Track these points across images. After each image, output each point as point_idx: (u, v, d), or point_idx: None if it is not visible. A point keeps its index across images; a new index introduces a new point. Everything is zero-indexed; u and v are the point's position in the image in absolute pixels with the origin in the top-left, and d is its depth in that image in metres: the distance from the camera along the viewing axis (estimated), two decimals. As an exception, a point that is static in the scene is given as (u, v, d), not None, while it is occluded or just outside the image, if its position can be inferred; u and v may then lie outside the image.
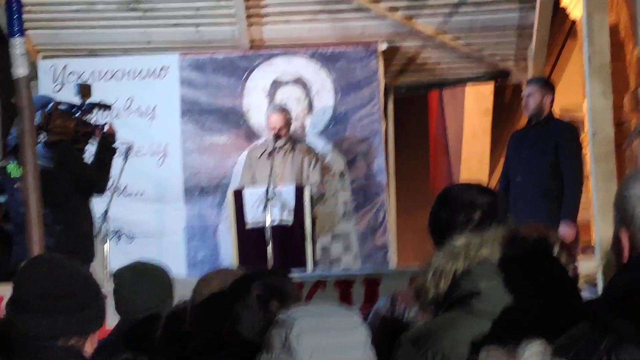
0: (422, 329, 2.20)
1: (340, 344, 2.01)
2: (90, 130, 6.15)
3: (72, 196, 5.95)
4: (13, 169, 6.07)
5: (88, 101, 6.20)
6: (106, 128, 6.25)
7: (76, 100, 6.21)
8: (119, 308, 3.45)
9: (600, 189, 4.74)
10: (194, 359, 2.52)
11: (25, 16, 6.27)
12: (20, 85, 3.30)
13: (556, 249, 2.22)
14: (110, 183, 7.72)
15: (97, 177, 6.11)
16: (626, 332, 1.59)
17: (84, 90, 6.20)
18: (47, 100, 6.03)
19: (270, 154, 7.07)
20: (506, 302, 2.08)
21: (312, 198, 7.00)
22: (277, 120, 7.22)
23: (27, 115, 3.25)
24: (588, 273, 5.18)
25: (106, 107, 6.50)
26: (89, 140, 6.22)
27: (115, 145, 6.35)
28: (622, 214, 1.79)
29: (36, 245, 3.14)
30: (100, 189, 6.25)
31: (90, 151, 6.39)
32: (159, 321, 2.86)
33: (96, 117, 6.42)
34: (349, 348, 2.01)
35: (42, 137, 5.81)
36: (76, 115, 6.10)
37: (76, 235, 5.92)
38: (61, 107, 6.07)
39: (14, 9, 3.35)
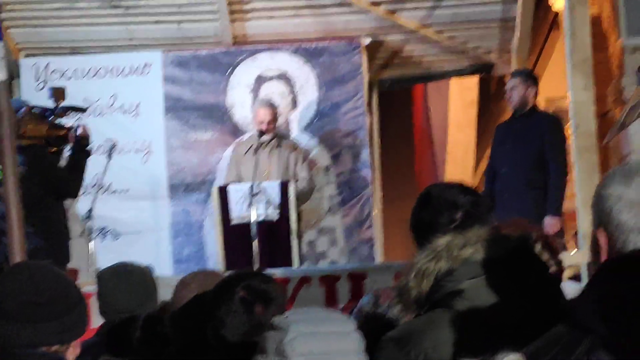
0: (404, 329, 2.20)
1: (334, 351, 2.01)
2: (63, 134, 6.13)
3: (44, 199, 5.91)
4: None
5: (62, 104, 6.17)
6: (79, 131, 6.21)
7: (50, 103, 6.19)
8: (101, 309, 3.45)
9: (584, 181, 4.77)
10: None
11: (6, 14, 6.27)
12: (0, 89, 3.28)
13: (538, 247, 2.23)
14: (94, 181, 7.74)
15: (69, 181, 6.09)
16: (603, 334, 1.60)
17: (58, 93, 6.17)
18: (19, 105, 6.00)
19: (256, 150, 7.06)
20: (488, 301, 2.08)
21: (303, 193, 7.00)
22: (264, 114, 7.20)
23: (6, 119, 3.22)
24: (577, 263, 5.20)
25: (80, 109, 6.47)
26: (62, 144, 6.19)
27: (89, 147, 6.32)
28: (599, 214, 1.79)
29: (17, 250, 3.12)
30: (73, 192, 6.23)
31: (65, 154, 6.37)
32: (139, 322, 2.85)
33: (70, 119, 6.39)
34: (342, 354, 2.02)
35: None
36: (49, 119, 6.08)
37: (49, 238, 5.89)
38: (34, 110, 6.05)
39: (-8, 12, 3.32)
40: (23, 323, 2.23)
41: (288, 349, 1.98)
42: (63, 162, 6.30)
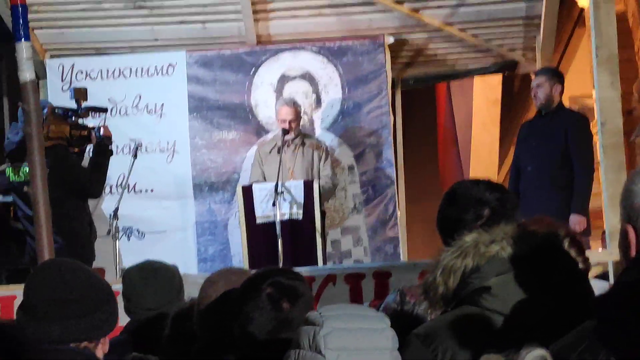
0: (431, 326, 2.20)
1: (367, 347, 2.02)
2: (85, 134, 6.17)
3: (67, 200, 5.95)
4: (10, 173, 6.11)
5: (84, 105, 6.21)
6: (101, 131, 6.25)
7: (72, 104, 6.23)
8: (127, 308, 3.47)
9: (610, 180, 4.73)
10: (205, 358, 2.52)
11: (32, 16, 6.32)
12: (27, 89, 3.30)
13: (566, 244, 2.22)
14: (120, 180, 7.79)
15: (91, 181, 6.12)
16: (633, 330, 1.59)
17: (80, 94, 6.22)
18: (42, 105, 6.05)
19: (280, 148, 7.07)
20: (515, 297, 2.08)
21: (326, 191, 7.00)
22: (287, 113, 7.20)
23: (34, 119, 3.25)
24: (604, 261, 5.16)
25: (102, 110, 6.52)
26: (85, 144, 6.23)
27: (111, 147, 6.36)
28: (628, 210, 1.78)
29: (45, 247, 3.15)
30: (95, 192, 6.27)
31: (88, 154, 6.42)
32: (167, 320, 2.87)
33: (93, 120, 6.45)
34: (375, 351, 2.02)
35: None
36: (71, 119, 6.12)
37: (71, 238, 5.93)
38: (57, 111, 6.10)
39: (19, 13, 3.35)
40: (53, 320, 2.25)
41: (322, 343, 1.99)
42: (85, 163, 6.34)
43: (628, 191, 1.79)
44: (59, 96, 7.73)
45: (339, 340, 2.00)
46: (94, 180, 6.16)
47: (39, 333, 2.26)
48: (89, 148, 6.39)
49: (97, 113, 6.53)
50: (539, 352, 1.59)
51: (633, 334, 1.58)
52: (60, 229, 5.86)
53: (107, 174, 6.49)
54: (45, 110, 5.94)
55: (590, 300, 1.98)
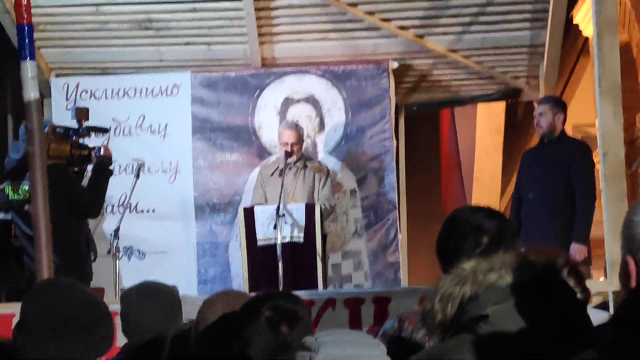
0: (428, 353, 2.20)
1: None
2: (85, 154, 6.18)
3: (66, 219, 5.95)
4: (10, 191, 6.12)
5: (85, 124, 6.24)
6: (102, 151, 6.27)
7: (74, 123, 6.25)
8: (125, 329, 3.45)
9: (611, 209, 4.72)
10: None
11: (38, 34, 6.35)
12: (31, 108, 3.31)
13: (564, 273, 2.21)
14: (121, 200, 7.79)
15: (90, 201, 6.13)
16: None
17: (81, 113, 6.25)
18: (43, 124, 6.07)
19: (282, 171, 7.08)
20: (513, 327, 2.07)
21: (323, 213, 7.00)
22: (289, 136, 7.23)
23: (38, 138, 3.26)
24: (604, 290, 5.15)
25: (103, 130, 6.54)
26: (85, 163, 6.24)
27: (111, 167, 6.37)
28: (628, 241, 1.78)
29: (45, 267, 3.14)
30: (94, 212, 6.27)
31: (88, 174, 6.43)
32: (165, 343, 2.86)
33: (94, 140, 6.47)
34: None
35: None
36: (72, 139, 6.14)
37: (68, 258, 5.92)
38: (58, 130, 6.12)
39: (25, 32, 3.37)
40: (49, 339, 2.25)
41: None
42: (85, 182, 6.35)
43: (629, 222, 1.79)
44: (63, 115, 7.75)
45: None
46: (93, 200, 6.16)
47: (35, 352, 2.25)
48: (90, 167, 6.40)
49: (98, 133, 6.55)
50: None
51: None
52: (57, 248, 5.85)
53: (109, 194, 6.49)
54: (46, 129, 5.96)
55: (588, 330, 1.98)
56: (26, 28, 3.37)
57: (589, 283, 2.25)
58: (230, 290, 2.73)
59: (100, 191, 6.23)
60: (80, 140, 6.27)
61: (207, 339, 2.51)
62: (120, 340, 3.46)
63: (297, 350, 2.06)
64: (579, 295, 2.22)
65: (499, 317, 2.08)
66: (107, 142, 6.51)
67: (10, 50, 7.39)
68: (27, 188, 5.88)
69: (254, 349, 2.28)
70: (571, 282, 2.22)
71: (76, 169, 6.21)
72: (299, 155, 7.27)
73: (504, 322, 2.08)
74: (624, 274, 1.78)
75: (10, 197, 6.16)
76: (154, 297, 3.46)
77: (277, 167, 7.27)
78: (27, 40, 3.37)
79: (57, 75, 8.39)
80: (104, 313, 2.38)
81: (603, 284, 4.96)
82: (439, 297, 2.16)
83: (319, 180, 7.24)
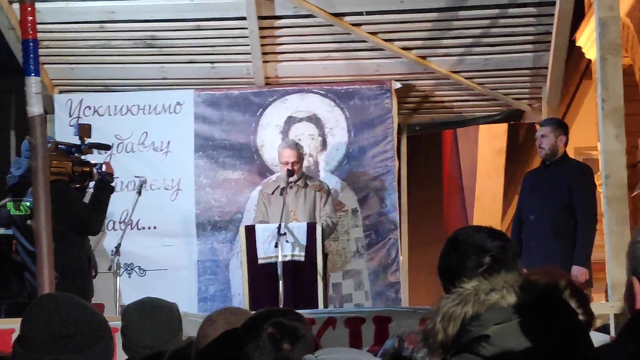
0: (429, 373, 2.19)
1: None
2: (87, 170, 6.19)
3: (66, 235, 5.95)
4: (11, 207, 6.13)
5: (87, 141, 6.25)
6: (103, 167, 6.27)
7: (76, 140, 6.27)
8: (126, 345, 3.45)
9: (613, 232, 4.72)
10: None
11: (42, 51, 6.38)
12: (35, 123, 3.33)
13: (566, 294, 2.21)
14: (123, 217, 7.79)
15: (91, 217, 6.13)
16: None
17: (83, 130, 6.26)
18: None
19: (283, 190, 7.09)
20: (515, 346, 2.07)
21: (325, 229, 7.00)
22: (289, 155, 7.24)
23: (41, 152, 3.27)
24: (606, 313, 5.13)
25: (105, 147, 6.55)
26: (87, 180, 6.25)
27: (113, 184, 6.37)
28: (633, 262, 1.79)
29: (46, 281, 3.14)
30: (95, 229, 6.27)
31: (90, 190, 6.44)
32: (165, 359, 2.85)
33: (96, 157, 6.48)
34: None
35: None
36: (74, 155, 6.15)
37: (70, 273, 5.91)
38: (60, 146, 6.13)
39: (30, 48, 3.38)
40: (49, 354, 2.24)
41: None
42: (87, 199, 6.35)
43: (634, 243, 1.80)
44: (66, 131, 7.77)
45: None
46: (94, 216, 6.17)
47: (36, 367, 2.24)
48: (91, 184, 6.40)
49: (100, 150, 6.56)
50: None
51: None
52: (59, 264, 5.85)
53: (110, 210, 6.49)
54: (49, 146, 5.97)
55: (590, 351, 1.97)
56: (31, 44, 3.39)
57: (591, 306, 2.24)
58: (231, 307, 2.72)
59: (101, 208, 6.23)
60: (82, 157, 6.28)
61: (208, 356, 2.51)
62: (120, 356, 3.46)
63: None
64: (580, 317, 2.21)
65: (500, 337, 2.08)
66: (110, 159, 6.52)
67: (15, 67, 7.43)
68: (28, 204, 5.89)
69: (255, 365, 2.28)
70: (573, 304, 2.22)
71: (78, 185, 6.21)
72: (299, 174, 7.28)
73: (506, 342, 2.07)
74: (629, 295, 1.78)
75: (12, 213, 6.16)
76: (155, 314, 3.45)
77: (278, 186, 7.28)
78: (31, 56, 3.39)
79: (61, 92, 8.41)
80: (104, 329, 2.37)
81: (604, 306, 4.94)
82: (441, 316, 2.16)
83: (320, 199, 7.24)
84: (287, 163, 7.21)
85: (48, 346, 2.24)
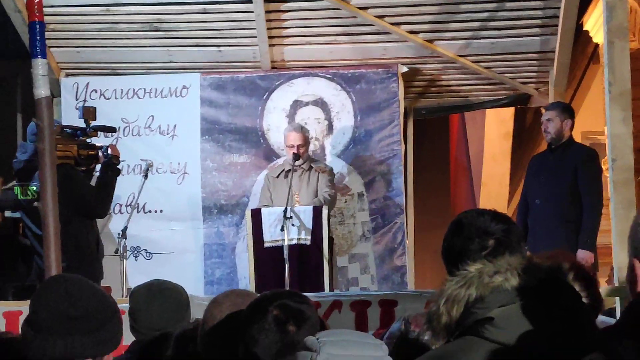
0: (433, 355, 2.20)
1: None
2: (93, 153, 6.20)
3: (74, 218, 5.97)
4: (18, 191, 6.14)
5: (92, 124, 6.25)
6: (109, 150, 6.28)
7: (81, 123, 6.27)
8: (134, 327, 3.46)
9: (620, 216, 4.71)
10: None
11: (48, 34, 6.39)
12: (41, 105, 3.33)
13: (570, 277, 2.22)
14: (129, 200, 7.82)
15: (97, 200, 6.13)
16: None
17: (88, 113, 6.26)
18: None
19: (288, 173, 7.09)
20: (518, 329, 2.08)
21: (325, 204, 7.00)
22: (295, 138, 7.24)
23: (48, 135, 3.28)
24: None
25: (110, 129, 6.56)
26: (92, 163, 6.26)
27: (119, 166, 6.38)
28: (635, 244, 1.79)
29: (53, 263, 3.16)
30: (101, 211, 6.28)
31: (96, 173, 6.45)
32: (171, 341, 2.87)
33: (101, 139, 6.49)
34: None
35: None
36: (79, 138, 6.15)
37: (77, 257, 5.94)
38: (65, 130, 6.14)
39: (37, 30, 3.39)
40: (58, 335, 2.26)
41: None
42: (93, 182, 6.36)
43: (636, 226, 1.80)
44: (72, 114, 7.77)
45: None
46: (101, 199, 6.17)
47: (44, 348, 2.26)
48: (97, 167, 6.41)
49: (105, 132, 6.57)
50: None
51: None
52: (67, 247, 5.88)
53: (117, 194, 6.50)
54: (54, 129, 5.97)
55: (594, 333, 1.98)
56: (37, 26, 3.39)
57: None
58: (237, 289, 2.73)
59: (108, 191, 6.23)
60: (88, 140, 6.29)
61: (213, 337, 2.52)
62: (127, 339, 3.47)
63: (298, 350, 2.06)
64: (585, 300, 2.22)
65: (504, 319, 2.09)
66: (116, 142, 6.52)
67: (21, 50, 7.43)
68: (35, 189, 5.90)
69: (260, 348, 2.28)
70: (577, 287, 2.22)
71: (84, 168, 6.22)
72: (305, 157, 7.28)
73: (509, 325, 2.08)
74: (631, 278, 1.79)
75: (19, 197, 6.18)
76: (163, 296, 3.47)
77: (283, 170, 7.29)
78: (38, 38, 3.39)
79: (67, 75, 8.42)
80: (113, 311, 2.39)
81: (609, 290, 4.95)
82: (445, 299, 2.17)
83: (322, 179, 7.24)
84: (292, 146, 7.21)
85: (57, 327, 2.26)
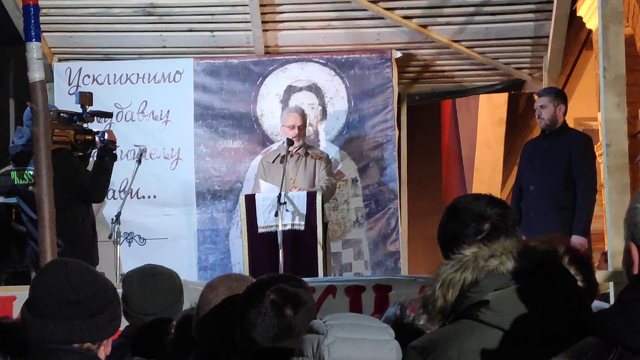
0: (429, 338, 2.21)
1: (371, 358, 2.02)
2: (90, 138, 6.18)
3: (71, 203, 5.96)
4: (15, 176, 6.13)
5: (89, 109, 6.23)
6: (106, 136, 6.27)
7: (77, 108, 6.25)
8: (127, 311, 3.46)
9: (614, 201, 4.72)
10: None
11: (42, 19, 6.35)
12: (36, 89, 3.32)
13: (565, 260, 2.23)
14: (123, 186, 7.80)
15: (94, 185, 6.13)
16: (634, 345, 1.59)
17: (85, 98, 6.24)
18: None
19: (284, 158, 7.08)
20: (514, 312, 2.09)
21: (325, 194, 7.00)
22: (295, 119, 7.20)
23: (42, 119, 3.27)
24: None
25: (107, 115, 6.54)
26: (89, 148, 6.25)
27: (115, 152, 6.37)
28: (631, 228, 1.79)
29: (48, 248, 3.16)
30: (98, 196, 6.27)
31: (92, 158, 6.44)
32: (167, 325, 2.87)
33: (98, 124, 6.46)
34: None
35: None
36: (76, 123, 6.14)
37: (75, 241, 5.93)
38: (62, 115, 6.12)
39: (31, 14, 3.37)
40: (58, 320, 2.26)
41: (326, 353, 1.99)
42: (89, 167, 6.35)
43: (633, 209, 1.80)
44: (65, 99, 7.77)
45: (343, 350, 2.00)
46: (98, 184, 6.17)
47: (43, 332, 2.27)
48: (94, 152, 6.40)
49: (102, 118, 6.54)
50: None
51: (635, 351, 1.59)
52: (63, 232, 5.87)
53: (111, 179, 6.49)
54: (51, 114, 5.95)
55: (589, 316, 1.99)
56: (32, 9, 3.37)
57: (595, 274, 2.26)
58: (232, 274, 2.73)
59: (105, 176, 6.23)
60: (84, 125, 6.27)
61: (210, 322, 2.52)
62: (121, 323, 3.47)
63: (302, 334, 2.06)
64: (580, 284, 2.22)
65: (499, 303, 2.10)
66: (110, 128, 6.49)
67: (13, 35, 7.40)
68: (32, 173, 5.88)
69: (257, 332, 2.29)
70: (572, 270, 2.23)
71: (80, 153, 6.20)
72: (301, 142, 7.26)
73: (504, 308, 2.09)
74: (627, 261, 1.80)
75: (15, 182, 6.16)
76: (156, 280, 3.47)
77: (279, 155, 7.27)
78: (32, 21, 3.37)
79: (60, 60, 8.38)
80: (112, 296, 2.39)
81: (604, 275, 4.96)
82: (440, 282, 2.18)
83: (320, 167, 7.24)
84: (292, 127, 7.17)
85: (57, 311, 2.27)
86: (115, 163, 6.48)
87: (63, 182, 5.86)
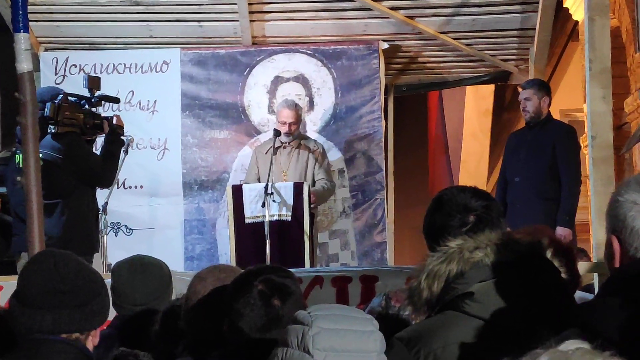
0: (414, 329, 2.23)
1: (355, 349, 2.03)
2: (99, 122, 6.16)
3: (78, 188, 5.95)
4: (20, 160, 6.10)
5: (97, 93, 6.19)
6: (114, 120, 6.25)
7: (85, 92, 6.22)
8: (116, 302, 3.47)
9: (599, 193, 4.75)
10: (191, 355, 2.54)
11: (28, 8, 6.32)
12: (24, 80, 3.31)
13: (549, 253, 2.25)
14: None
15: (104, 169, 6.11)
16: (614, 337, 1.62)
17: (93, 82, 6.19)
18: (56, 92, 6.02)
19: (276, 150, 7.08)
20: (497, 304, 2.11)
21: (320, 195, 7.00)
22: (288, 115, 7.19)
23: (30, 110, 3.26)
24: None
25: (114, 99, 6.52)
26: (97, 132, 6.22)
27: (123, 137, 6.35)
28: (613, 220, 1.82)
29: (36, 238, 3.16)
30: (107, 181, 6.24)
31: (100, 143, 6.42)
32: (155, 316, 2.88)
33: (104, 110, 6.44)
34: (363, 354, 2.04)
35: (52, 129, 5.82)
36: (85, 107, 6.10)
37: (81, 226, 5.93)
38: (70, 99, 6.07)
39: (19, 4, 3.36)
40: (45, 310, 2.27)
41: (310, 343, 2.01)
42: (98, 151, 6.33)
43: (614, 202, 1.83)
44: (52, 89, 7.73)
45: (328, 341, 2.02)
46: (107, 169, 6.13)
47: (32, 322, 2.27)
48: (100, 137, 6.37)
49: (110, 103, 6.53)
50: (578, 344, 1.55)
51: (616, 344, 1.61)
52: (68, 217, 5.86)
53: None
54: (61, 97, 5.92)
55: (571, 308, 2.01)
56: (19, 0, 3.36)
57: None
58: (220, 264, 2.74)
59: (114, 160, 6.20)
60: (93, 109, 6.23)
61: (198, 312, 2.53)
62: (110, 314, 3.48)
63: (289, 324, 2.08)
64: (563, 276, 2.25)
65: (484, 294, 2.12)
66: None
67: None
68: (40, 155, 5.82)
69: (245, 322, 2.30)
70: (556, 262, 2.26)
71: (88, 138, 6.16)
72: (294, 135, 7.24)
73: (489, 300, 2.12)
74: (609, 254, 1.82)
75: (19, 166, 6.11)
76: (145, 271, 3.47)
77: (271, 146, 7.26)
78: (20, 12, 3.36)
79: (46, 50, 8.35)
80: (101, 286, 2.40)
81: (587, 266, 4.99)
82: (426, 274, 2.20)
83: (315, 161, 7.22)
84: (285, 123, 7.17)
85: (46, 301, 2.27)
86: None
87: (72, 166, 5.85)
